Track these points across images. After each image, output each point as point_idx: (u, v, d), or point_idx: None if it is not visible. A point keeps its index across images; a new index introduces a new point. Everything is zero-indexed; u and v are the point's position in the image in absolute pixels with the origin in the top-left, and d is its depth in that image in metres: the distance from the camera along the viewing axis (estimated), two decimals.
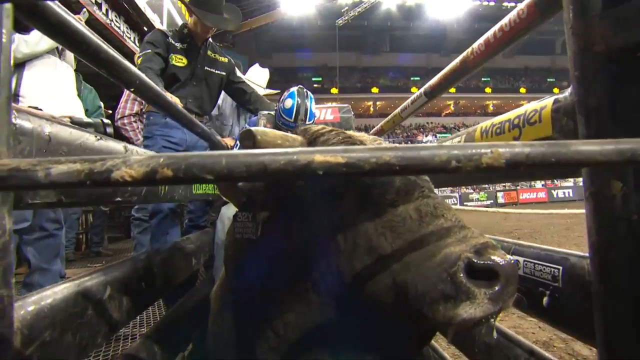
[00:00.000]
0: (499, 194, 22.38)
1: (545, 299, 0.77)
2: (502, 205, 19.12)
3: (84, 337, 0.74)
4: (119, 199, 0.95)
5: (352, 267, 0.75)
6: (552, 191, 22.38)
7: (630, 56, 0.60)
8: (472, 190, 23.37)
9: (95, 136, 0.88)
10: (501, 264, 0.57)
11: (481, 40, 1.00)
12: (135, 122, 3.30)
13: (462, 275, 0.57)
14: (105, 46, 0.91)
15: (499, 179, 1.02)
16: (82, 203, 0.78)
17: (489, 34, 0.96)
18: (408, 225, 0.70)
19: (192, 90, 2.56)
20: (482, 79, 32.72)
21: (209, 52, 2.65)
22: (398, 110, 1.71)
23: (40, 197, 0.65)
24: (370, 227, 0.74)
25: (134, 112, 3.34)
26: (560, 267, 0.74)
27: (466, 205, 18.79)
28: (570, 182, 23.29)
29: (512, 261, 0.58)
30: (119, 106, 3.39)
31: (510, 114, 0.92)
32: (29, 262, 2.27)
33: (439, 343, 1.74)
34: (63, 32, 0.76)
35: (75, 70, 3.58)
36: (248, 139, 0.84)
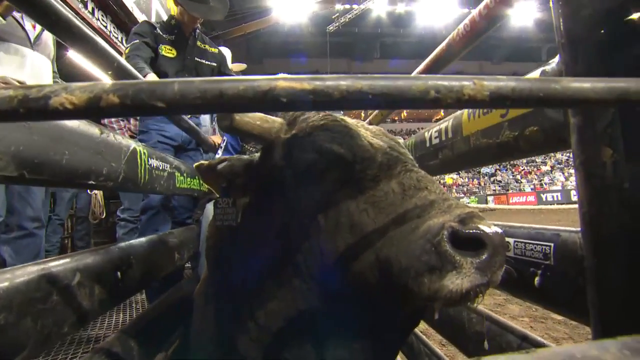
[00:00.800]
0: (489, 198, 22.63)
1: (537, 279, 0.74)
2: (493, 210, 19.30)
3: (47, 324, 0.69)
4: (92, 182, 0.90)
5: (334, 247, 0.71)
6: (541, 195, 22.65)
7: (619, 19, 0.58)
8: (462, 195, 23.58)
9: None
10: (488, 232, 0.54)
11: (466, 20, 0.98)
12: (122, 120, 3.23)
13: (446, 244, 0.53)
14: (77, 21, 0.86)
15: (491, 157, 0.99)
16: (47, 181, 0.73)
17: (474, 12, 0.94)
18: (390, 200, 0.67)
19: None
20: None
21: (199, 43, 2.59)
22: None
23: None
24: (352, 205, 0.70)
25: None
26: (552, 244, 0.71)
27: None
28: (558, 185, 23.63)
29: (500, 231, 0.55)
30: None
31: None
32: (4, 262, 2.18)
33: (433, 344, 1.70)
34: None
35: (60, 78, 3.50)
36: (226, 119, 0.80)
